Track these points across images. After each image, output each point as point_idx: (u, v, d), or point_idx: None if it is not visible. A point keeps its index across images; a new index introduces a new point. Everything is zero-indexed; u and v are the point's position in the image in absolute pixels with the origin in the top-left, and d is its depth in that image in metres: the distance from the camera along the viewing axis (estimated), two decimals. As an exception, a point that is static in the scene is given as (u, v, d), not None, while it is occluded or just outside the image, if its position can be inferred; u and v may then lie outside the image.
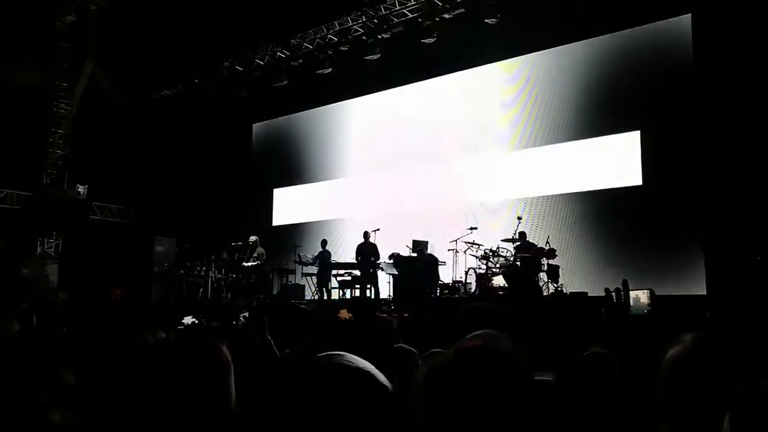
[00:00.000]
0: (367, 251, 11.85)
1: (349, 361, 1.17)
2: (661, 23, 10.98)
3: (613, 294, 1.91)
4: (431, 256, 11.40)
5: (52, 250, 15.55)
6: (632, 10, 10.94)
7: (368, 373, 1.16)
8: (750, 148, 9.20)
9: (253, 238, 12.80)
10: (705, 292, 8.83)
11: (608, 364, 2.21)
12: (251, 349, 2.64)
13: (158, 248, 15.14)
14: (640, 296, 8.16)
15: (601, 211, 11.30)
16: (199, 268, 13.78)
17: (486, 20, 12.02)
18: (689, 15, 10.59)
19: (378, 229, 12.11)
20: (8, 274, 13.59)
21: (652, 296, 8.10)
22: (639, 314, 7.77)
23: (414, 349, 2.39)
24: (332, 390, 1.11)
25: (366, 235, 11.99)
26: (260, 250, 12.72)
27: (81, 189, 15.50)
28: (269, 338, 2.73)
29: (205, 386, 1.51)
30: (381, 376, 1.17)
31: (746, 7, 9.42)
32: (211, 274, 13.78)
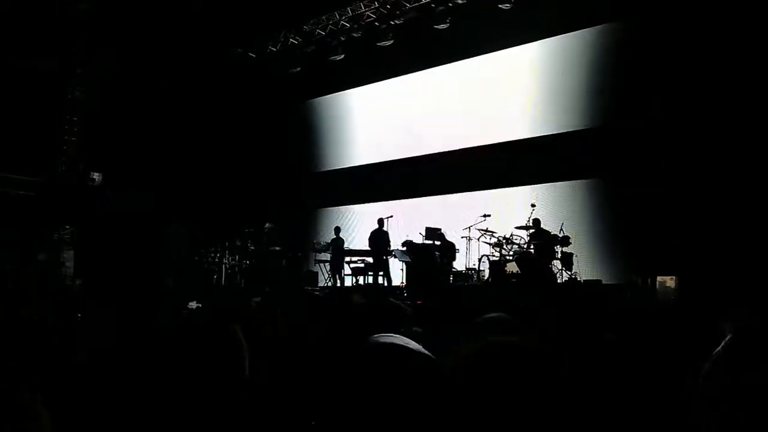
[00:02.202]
0: (379, 238, 11.86)
1: (405, 343, 1.20)
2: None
3: (639, 280, 1.93)
4: (449, 242, 11.39)
5: (68, 236, 15.66)
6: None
7: (424, 355, 1.19)
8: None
9: (268, 225, 12.90)
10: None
11: (620, 351, 2.19)
12: (262, 333, 2.64)
13: (173, 234, 15.20)
14: (667, 282, 8.15)
15: (615, 199, 11.20)
16: (213, 255, 13.84)
17: (500, 5, 11.92)
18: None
19: (391, 216, 12.13)
20: (25, 262, 13.71)
21: (679, 282, 8.07)
22: (666, 300, 7.77)
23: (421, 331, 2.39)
24: (393, 370, 1.14)
25: (380, 222, 11.99)
26: (276, 237, 12.82)
27: (96, 176, 15.60)
28: (280, 323, 2.73)
29: (220, 364, 1.54)
30: (433, 358, 1.20)
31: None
32: (225, 260, 13.84)
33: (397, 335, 1.22)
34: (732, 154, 9.50)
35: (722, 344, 1.48)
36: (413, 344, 1.20)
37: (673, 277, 8.17)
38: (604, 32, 11.72)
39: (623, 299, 8.02)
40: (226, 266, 13.72)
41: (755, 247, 8.55)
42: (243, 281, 13.54)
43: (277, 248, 12.77)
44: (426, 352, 1.19)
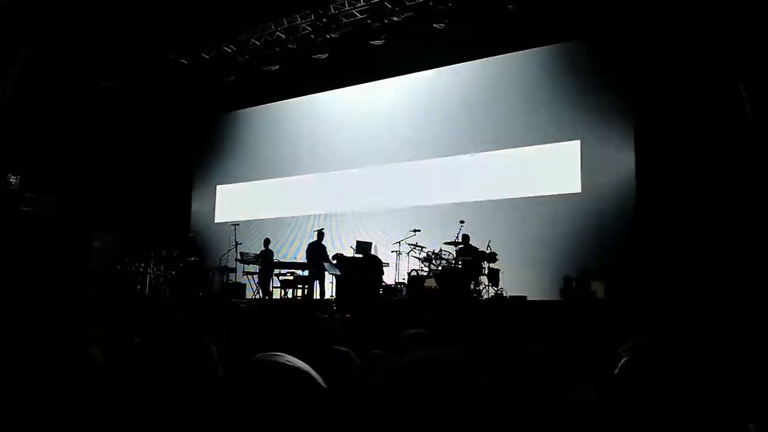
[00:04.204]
0: (318, 250, 11.81)
1: (288, 362, 1.19)
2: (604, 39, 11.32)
3: (574, 282, 2.04)
4: (375, 257, 11.43)
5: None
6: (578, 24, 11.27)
7: (307, 374, 1.18)
8: (684, 157, 9.61)
9: (191, 234, 12.71)
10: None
11: (550, 368, 2.26)
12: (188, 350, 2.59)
13: (96, 243, 14.69)
14: (596, 288, 8.47)
15: (542, 217, 11.55)
16: (137, 264, 13.44)
17: (434, 25, 12.14)
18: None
19: (322, 229, 12.13)
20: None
21: (608, 287, 8.41)
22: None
23: (351, 351, 2.41)
24: (272, 389, 1.12)
25: (320, 234, 11.96)
26: (197, 248, 12.62)
27: (13, 179, 14.90)
28: (206, 338, 2.68)
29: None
30: (318, 378, 1.19)
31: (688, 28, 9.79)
32: (150, 270, 13.46)
33: (283, 354, 1.23)
34: (655, 170, 10.05)
35: (618, 366, 1.59)
36: (299, 363, 1.20)
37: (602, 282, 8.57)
38: (534, 55, 12.13)
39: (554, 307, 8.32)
40: (150, 276, 13.35)
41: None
42: (168, 292, 13.20)
43: (196, 258, 12.54)
44: (312, 372, 1.20)
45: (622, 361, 1.60)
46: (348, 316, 8.99)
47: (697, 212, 9.32)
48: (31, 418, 1.58)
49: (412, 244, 11.07)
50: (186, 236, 12.75)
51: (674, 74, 9.89)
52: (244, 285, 12.81)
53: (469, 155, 12.45)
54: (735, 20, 9.06)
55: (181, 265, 12.60)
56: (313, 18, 13.46)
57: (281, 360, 1.20)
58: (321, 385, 1.19)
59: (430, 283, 10.24)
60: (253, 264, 12.62)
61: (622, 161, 10.72)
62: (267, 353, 1.23)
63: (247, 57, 14.65)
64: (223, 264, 12.99)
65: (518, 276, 10.97)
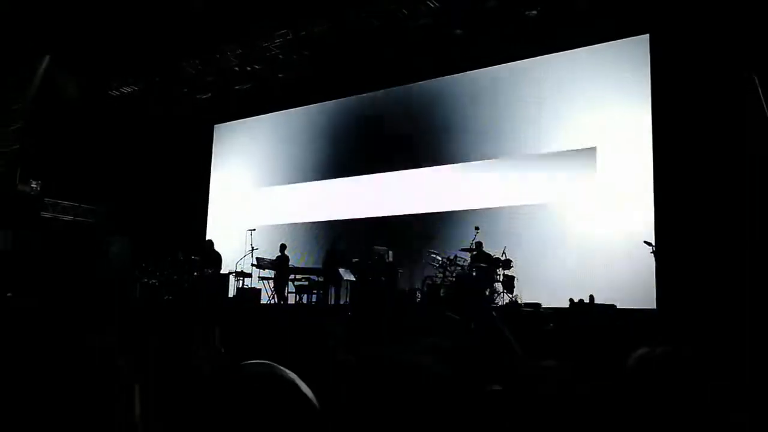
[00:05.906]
0: (331, 257, 11.85)
1: (274, 372, 1.16)
2: (619, 42, 11.24)
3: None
4: (392, 264, 11.42)
5: None
6: (591, 28, 11.22)
7: (292, 383, 1.15)
8: (702, 162, 9.50)
9: (208, 239, 12.76)
10: (655, 307, 9.17)
11: (562, 377, 2.24)
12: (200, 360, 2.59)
13: (114, 247, 14.80)
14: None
15: (558, 223, 11.45)
16: (152, 269, 13.47)
17: (455, 31, 12.16)
18: (647, 35, 10.89)
19: (338, 236, 12.16)
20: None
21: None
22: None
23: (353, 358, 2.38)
24: (254, 399, 1.10)
25: (334, 241, 12.05)
26: (215, 252, 12.64)
27: (34, 184, 15.08)
28: (220, 347, 2.66)
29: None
30: (305, 387, 1.16)
31: (703, 29, 9.70)
32: (165, 275, 13.48)
33: (271, 363, 1.20)
34: (673, 175, 9.99)
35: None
36: (286, 372, 1.17)
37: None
38: (553, 60, 12.04)
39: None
40: (166, 281, 13.37)
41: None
42: (186, 298, 13.20)
43: (218, 265, 12.57)
44: (297, 380, 1.17)
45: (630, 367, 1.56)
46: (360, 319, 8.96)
47: (714, 215, 9.21)
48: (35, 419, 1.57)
49: (426, 251, 11.05)
50: (206, 241, 12.83)
51: (691, 78, 9.80)
52: (260, 290, 12.84)
53: (488, 162, 12.40)
54: (752, 23, 8.97)
55: (195, 273, 12.60)
56: (327, 25, 13.46)
57: (266, 369, 1.17)
58: (307, 398, 1.15)
59: (445, 292, 10.20)
60: (268, 269, 12.63)
61: (639, 167, 10.61)
62: (255, 362, 1.20)
63: (262, 64, 14.71)
64: (239, 269, 13.00)
65: (534, 283, 10.90)
